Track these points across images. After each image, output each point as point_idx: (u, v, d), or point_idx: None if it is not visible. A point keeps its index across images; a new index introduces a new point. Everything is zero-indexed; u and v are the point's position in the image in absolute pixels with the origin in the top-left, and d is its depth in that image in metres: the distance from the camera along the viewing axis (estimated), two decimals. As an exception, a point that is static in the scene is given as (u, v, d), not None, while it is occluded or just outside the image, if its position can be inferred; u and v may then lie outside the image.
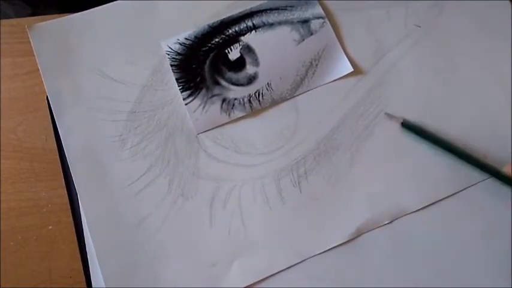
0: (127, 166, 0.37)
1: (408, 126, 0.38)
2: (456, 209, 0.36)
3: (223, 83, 0.39)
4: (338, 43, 0.40)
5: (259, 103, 0.39)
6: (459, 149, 0.37)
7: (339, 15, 0.41)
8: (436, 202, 0.37)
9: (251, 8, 0.41)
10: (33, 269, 0.35)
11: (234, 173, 0.37)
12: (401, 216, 0.36)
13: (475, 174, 0.37)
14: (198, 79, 0.39)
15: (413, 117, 0.38)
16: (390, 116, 0.38)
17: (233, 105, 0.38)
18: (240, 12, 0.41)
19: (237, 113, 0.38)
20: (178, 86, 0.39)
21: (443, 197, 0.37)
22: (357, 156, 0.38)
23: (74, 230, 0.36)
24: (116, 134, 0.38)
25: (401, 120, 0.38)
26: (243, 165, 0.37)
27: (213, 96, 0.38)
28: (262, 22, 0.40)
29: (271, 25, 0.40)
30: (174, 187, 0.36)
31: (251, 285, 0.35)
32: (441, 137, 0.38)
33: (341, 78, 0.40)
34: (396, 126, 0.38)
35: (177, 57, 0.39)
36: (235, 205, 0.36)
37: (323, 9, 0.41)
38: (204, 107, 0.38)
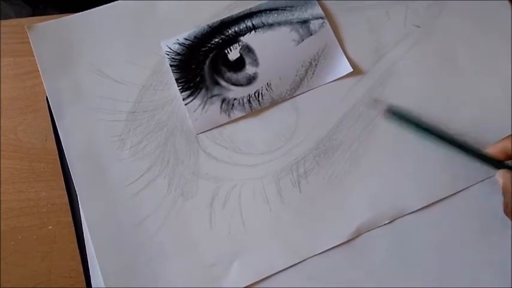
0: (127, 166, 0.37)
1: (394, 113, 0.37)
2: (456, 209, 0.36)
3: (223, 83, 0.39)
4: (337, 43, 0.40)
5: (259, 103, 0.39)
6: (443, 134, 0.36)
7: (339, 16, 0.41)
8: (436, 202, 0.37)
9: (251, 8, 0.41)
10: (33, 269, 0.35)
11: (234, 173, 0.37)
12: (401, 216, 0.36)
13: (475, 174, 0.37)
14: (198, 79, 0.39)
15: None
16: (376, 102, 0.38)
17: (233, 105, 0.38)
18: (240, 13, 0.41)
19: (237, 113, 0.38)
20: (178, 86, 0.39)
21: (443, 197, 0.37)
22: (356, 156, 0.38)
23: (73, 230, 0.36)
24: (116, 134, 0.38)
25: (386, 107, 0.37)
26: (243, 165, 0.37)
27: (212, 96, 0.39)
28: (262, 22, 0.40)
29: (270, 25, 0.40)
30: (174, 187, 0.36)
31: (251, 285, 0.35)
32: (425, 123, 0.36)
33: (340, 78, 0.40)
34: (397, 126, 0.38)
35: (176, 57, 0.39)
36: (235, 205, 0.36)
37: (322, 9, 0.41)
38: (203, 107, 0.38)
